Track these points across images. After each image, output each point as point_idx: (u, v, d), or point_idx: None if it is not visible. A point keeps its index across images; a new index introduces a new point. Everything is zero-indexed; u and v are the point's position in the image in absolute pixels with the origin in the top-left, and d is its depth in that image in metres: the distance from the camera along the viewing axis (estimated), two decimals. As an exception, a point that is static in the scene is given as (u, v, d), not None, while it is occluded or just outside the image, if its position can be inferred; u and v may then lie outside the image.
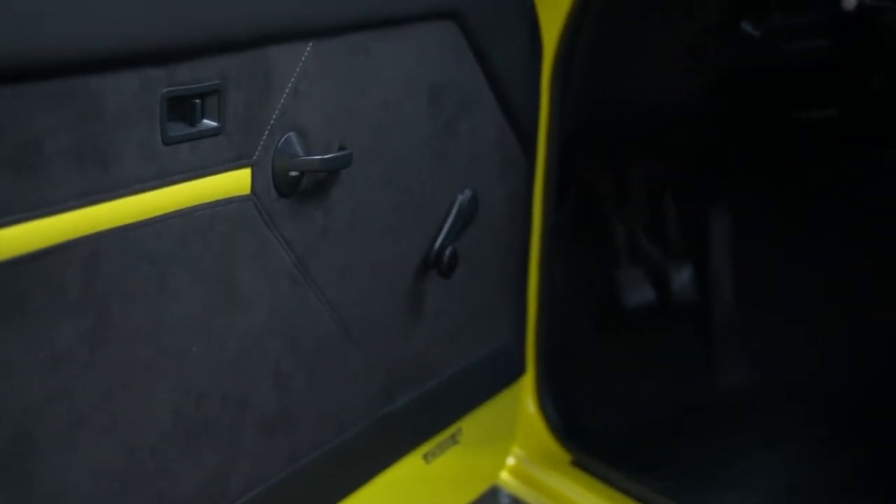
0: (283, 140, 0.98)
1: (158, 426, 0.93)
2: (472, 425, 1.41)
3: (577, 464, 1.56)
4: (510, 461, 1.57)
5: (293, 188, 1.00)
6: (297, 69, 0.98)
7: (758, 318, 1.97)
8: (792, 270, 1.99)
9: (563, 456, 1.57)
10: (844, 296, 1.92)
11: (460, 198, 1.24)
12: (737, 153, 1.94)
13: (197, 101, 0.89)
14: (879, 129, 1.88)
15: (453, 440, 1.37)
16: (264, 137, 0.96)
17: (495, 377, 1.45)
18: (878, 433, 1.71)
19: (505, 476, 1.57)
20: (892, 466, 1.61)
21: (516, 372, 1.50)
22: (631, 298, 1.88)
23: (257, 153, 0.96)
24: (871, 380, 1.80)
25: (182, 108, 0.88)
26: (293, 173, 0.99)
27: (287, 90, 0.97)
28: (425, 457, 1.33)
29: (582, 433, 1.61)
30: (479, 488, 1.52)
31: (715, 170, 1.97)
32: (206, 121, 0.90)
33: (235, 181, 0.94)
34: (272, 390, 1.04)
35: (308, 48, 0.99)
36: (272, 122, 0.96)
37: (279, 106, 0.97)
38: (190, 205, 0.90)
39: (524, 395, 1.55)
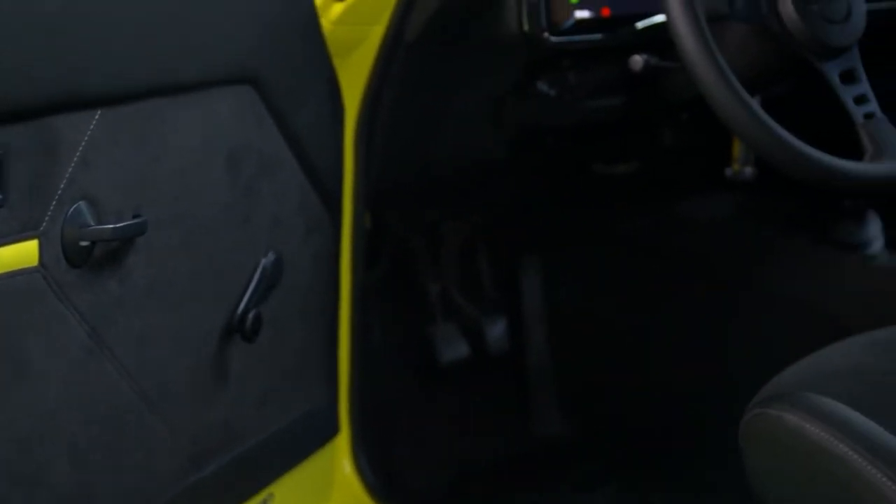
0: (72, 210, 0.96)
1: None
2: (284, 490, 1.39)
3: None
4: (327, 523, 1.56)
5: (85, 258, 0.98)
6: (85, 138, 0.96)
7: (571, 366, 2.02)
8: (601, 318, 2.05)
9: (381, 514, 1.57)
10: (651, 343, 1.99)
11: (264, 261, 1.24)
12: (545, 206, 1.99)
13: None
14: (673, 181, 1.96)
15: None
16: (52, 208, 0.94)
17: (307, 439, 1.44)
18: (690, 473, 1.77)
19: (322, 538, 1.56)
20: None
21: (329, 433, 1.49)
22: (446, 354, 1.90)
23: (45, 224, 0.94)
24: (679, 423, 1.86)
25: (-39, 180, 0.86)
26: (84, 243, 0.97)
27: (75, 159, 0.95)
28: (237, 524, 1.31)
29: (399, 491, 1.62)
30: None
31: (525, 223, 2.01)
32: None
33: (21, 253, 0.92)
34: (69, 467, 1.01)
35: (96, 116, 0.97)
36: (60, 191, 0.94)
37: (67, 175, 0.95)
38: None
39: (339, 456, 1.55)
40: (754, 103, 1.14)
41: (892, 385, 1.18)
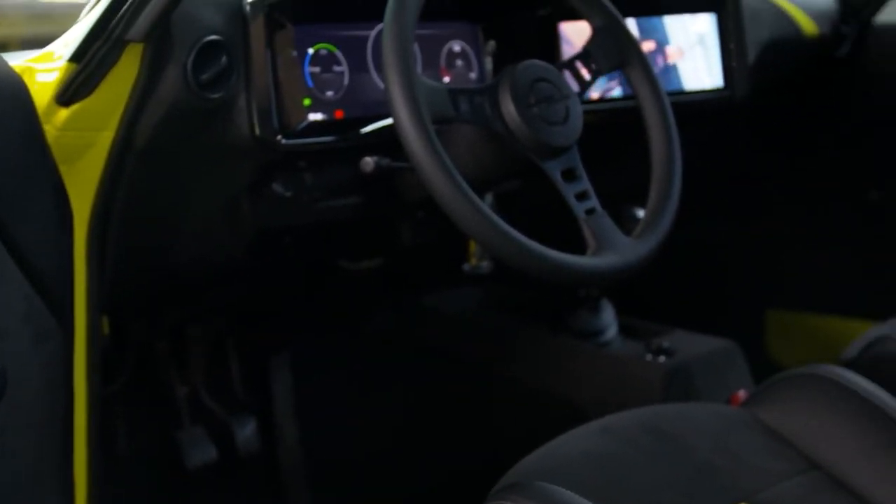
0: None
1: None
2: None
3: None
4: None
5: None
6: None
7: (324, 463, 2.01)
8: (352, 412, 2.05)
9: None
10: (402, 434, 2.01)
11: None
12: (292, 304, 1.99)
13: None
14: (416, 276, 2.00)
15: None
16: None
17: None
18: None
19: None
20: None
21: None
22: (195, 457, 1.86)
23: None
24: None
25: None
26: None
27: None
28: None
29: None
30: None
31: (273, 321, 2.00)
32: None
33: None
34: None
35: None
36: None
37: None
38: None
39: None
40: (480, 202, 1.18)
41: (621, 470, 1.23)
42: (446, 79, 1.51)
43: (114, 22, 1.21)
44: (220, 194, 1.42)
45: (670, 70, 1.73)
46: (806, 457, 1.31)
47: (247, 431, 1.96)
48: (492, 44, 1.56)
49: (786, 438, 1.34)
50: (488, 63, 1.56)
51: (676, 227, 1.39)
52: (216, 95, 1.28)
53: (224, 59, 1.28)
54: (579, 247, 1.29)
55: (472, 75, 1.55)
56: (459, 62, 1.53)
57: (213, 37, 1.27)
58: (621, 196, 1.74)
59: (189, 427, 1.88)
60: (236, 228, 1.46)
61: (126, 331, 1.68)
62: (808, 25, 2.16)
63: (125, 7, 1.20)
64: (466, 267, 1.69)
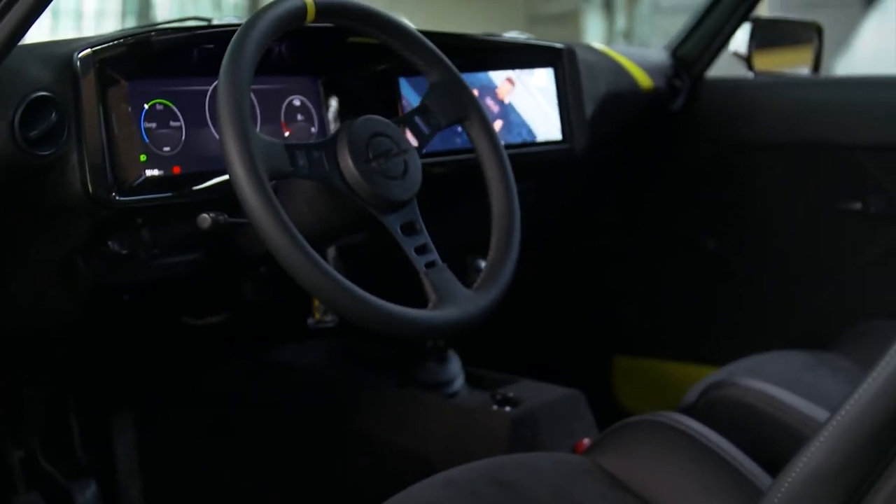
0: None
1: None
2: None
3: None
4: None
5: None
6: None
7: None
8: (195, 471, 2.02)
9: None
10: (252, 499, 1.98)
11: None
12: (133, 362, 1.95)
13: None
14: (262, 331, 1.98)
15: None
16: None
17: None
18: None
19: None
20: None
21: None
22: None
23: None
24: None
25: None
26: None
27: None
28: None
29: None
30: None
31: (114, 380, 1.96)
32: None
33: None
34: None
35: None
36: None
37: None
38: None
39: None
40: (317, 257, 1.18)
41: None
42: (287, 133, 1.51)
43: None
44: (54, 253, 1.38)
45: (509, 123, 1.76)
46: (645, 502, 1.34)
47: (87, 495, 1.90)
48: (333, 99, 1.56)
49: (626, 485, 1.37)
50: (330, 118, 1.56)
51: (520, 277, 1.40)
52: (46, 153, 1.25)
53: (54, 115, 1.25)
54: (424, 299, 1.29)
55: (314, 130, 1.54)
56: (300, 117, 1.53)
57: (42, 93, 1.24)
58: (468, 247, 1.76)
59: (24, 493, 1.82)
60: (72, 287, 1.42)
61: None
62: (643, 79, 2.23)
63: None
64: (311, 321, 1.68)
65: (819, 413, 1.56)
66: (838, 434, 0.97)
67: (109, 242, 1.39)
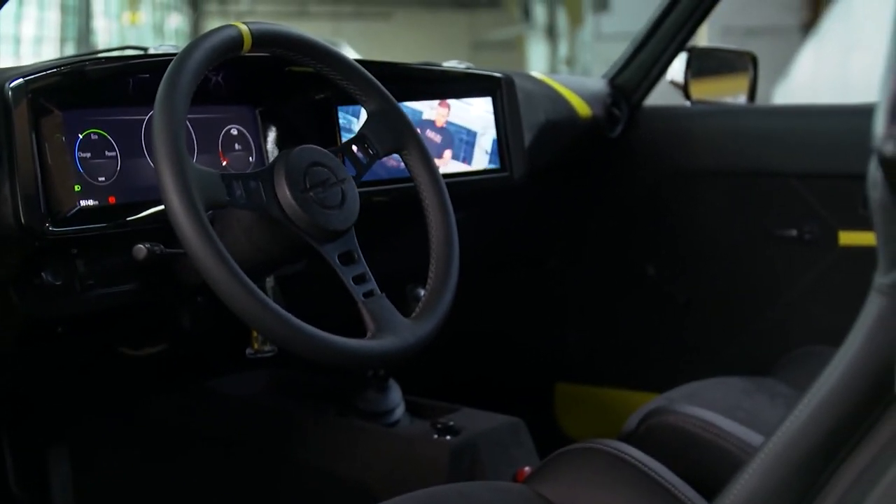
0: None
1: None
2: None
3: None
4: None
5: None
6: None
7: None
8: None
9: None
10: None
11: None
12: (69, 394, 1.92)
13: None
14: (201, 361, 1.96)
15: None
16: None
17: None
18: None
19: None
20: None
21: None
22: None
23: None
24: None
25: None
26: None
27: None
28: None
29: None
30: None
31: (49, 413, 1.93)
32: None
33: None
34: None
35: None
36: None
37: None
38: None
39: None
40: (253, 286, 1.17)
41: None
42: (224, 163, 1.50)
43: None
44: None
45: (448, 152, 1.76)
46: (584, 530, 1.34)
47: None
48: (272, 128, 1.56)
49: (565, 513, 1.37)
50: (269, 147, 1.56)
51: (460, 305, 1.40)
52: None
53: None
54: (363, 328, 1.29)
55: (252, 159, 1.54)
56: (238, 146, 1.52)
57: None
58: (407, 275, 1.76)
59: None
60: (4, 319, 1.40)
61: None
62: (582, 108, 2.24)
63: None
64: (249, 351, 1.66)
65: (757, 439, 1.57)
66: (771, 460, 0.98)
67: (43, 274, 1.37)
